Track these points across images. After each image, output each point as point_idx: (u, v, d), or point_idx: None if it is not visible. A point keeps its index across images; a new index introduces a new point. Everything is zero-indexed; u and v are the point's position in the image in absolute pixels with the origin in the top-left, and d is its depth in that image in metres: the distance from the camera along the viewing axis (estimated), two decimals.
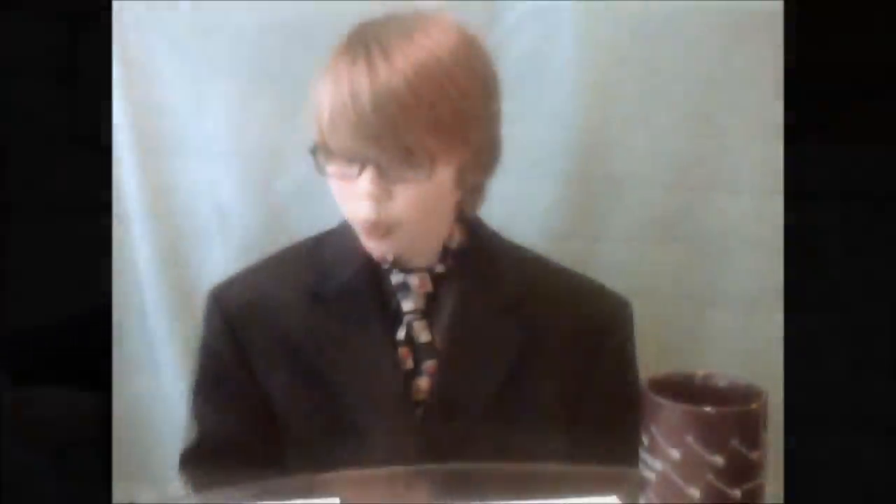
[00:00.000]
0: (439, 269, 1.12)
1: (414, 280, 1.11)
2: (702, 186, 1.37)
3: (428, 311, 1.11)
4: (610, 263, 1.39)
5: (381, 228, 1.05)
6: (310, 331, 1.11)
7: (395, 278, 1.11)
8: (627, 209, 1.39)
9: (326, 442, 1.09)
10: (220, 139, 1.40)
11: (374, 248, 1.08)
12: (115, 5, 1.18)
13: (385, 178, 1.02)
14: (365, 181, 1.02)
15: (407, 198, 1.03)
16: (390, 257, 1.10)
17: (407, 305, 1.11)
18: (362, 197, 1.03)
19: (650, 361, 1.18)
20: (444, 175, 1.04)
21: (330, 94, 1.02)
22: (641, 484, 0.73)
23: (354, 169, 1.03)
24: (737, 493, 0.70)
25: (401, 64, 0.99)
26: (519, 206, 1.39)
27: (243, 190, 1.40)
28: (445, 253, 1.12)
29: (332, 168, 1.05)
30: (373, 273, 1.11)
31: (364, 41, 1.02)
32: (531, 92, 1.36)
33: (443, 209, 1.09)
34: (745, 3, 1.30)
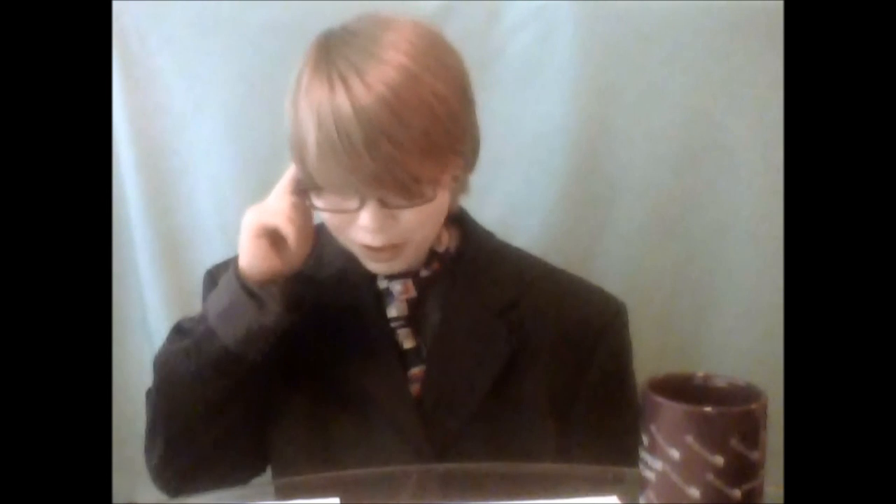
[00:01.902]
0: (424, 273, 1.10)
1: (397, 286, 1.10)
2: (701, 186, 1.37)
3: (412, 317, 1.10)
4: (610, 263, 1.39)
5: (388, 252, 1.03)
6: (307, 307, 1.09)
7: (381, 284, 1.10)
8: (627, 209, 1.39)
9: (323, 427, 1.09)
10: (220, 139, 1.40)
11: (376, 268, 1.07)
12: (115, 5, 1.18)
13: (388, 207, 0.99)
14: (367, 216, 0.99)
15: (411, 219, 1.01)
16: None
17: (390, 312, 1.10)
18: (365, 228, 1.00)
19: (650, 361, 1.18)
20: (444, 189, 1.02)
21: (313, 130, 0.96)
22: (641, 484, 0.73)
23: (352, 202, 0.99)
24: (737, 493, 0.70)
25: (384, 92, 0.94)
26: (519, 206, 1.39)
27: (243, 190, 1.40)
28: (432, 257, 1.11)
29: (324, 202, 1.01)
30: (363, 272, 1.10)
31: (335, 64, 0.97)
32: (531, 92, 1.36)
33: (441, 217, 1.07)
34: (745, 3, 1.30)
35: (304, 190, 1.02)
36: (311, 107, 0.97)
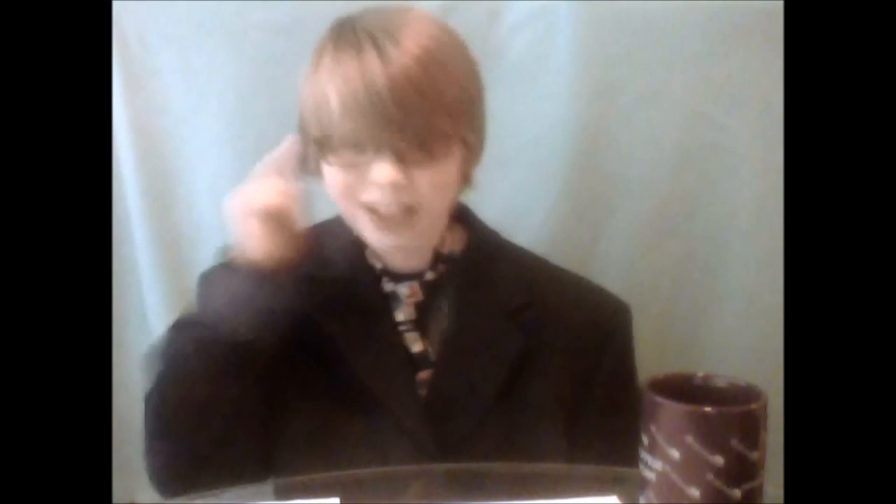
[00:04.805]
0: (430, 276, 1.11)
1: (403, 289, 1.10)
2: (701, 186, 1.37)
3: (419, 321, 1.10)
4: (610, 263, 1.39)
5: (399, 215, 1.03)
6: (311, 308, 1.09)
7: (387, 287, 1.10)
8: (627, 209, 1.39)
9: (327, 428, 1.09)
10: (220, 139, 1.40)
11: (384, 240, 1.06)
12: (115, 5, 1.18)
13: (403, 163, 1.01)
14: (382, 169, 1.01)
15: (424, 182, 1.02)
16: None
17: (398, 316, 1.10)
18: (379, 185, 1.01)
19: (650, 361, 1.18)
20: (455, 159, 1.04)
21: (337, 86, 1.00)
22: (641, 484, 0.73)
23: (365, 157, 1.02)
24: (737, 493, 0.70)
25: (412, 48, 0.99)
26: (519, 206, 1.39)
27: None
28: (437, 259, 1.11)
29: (336, 159, 1.03)
30: (367, 274, 1.11)
31: (363, 31, 1.01)
32: (531, 92, 1.36)
33: (450, 197, 1.08)
34: (745, 3, 1.30)
35: (319, 147, 1.03)
36: (335, 71, 1.01)
